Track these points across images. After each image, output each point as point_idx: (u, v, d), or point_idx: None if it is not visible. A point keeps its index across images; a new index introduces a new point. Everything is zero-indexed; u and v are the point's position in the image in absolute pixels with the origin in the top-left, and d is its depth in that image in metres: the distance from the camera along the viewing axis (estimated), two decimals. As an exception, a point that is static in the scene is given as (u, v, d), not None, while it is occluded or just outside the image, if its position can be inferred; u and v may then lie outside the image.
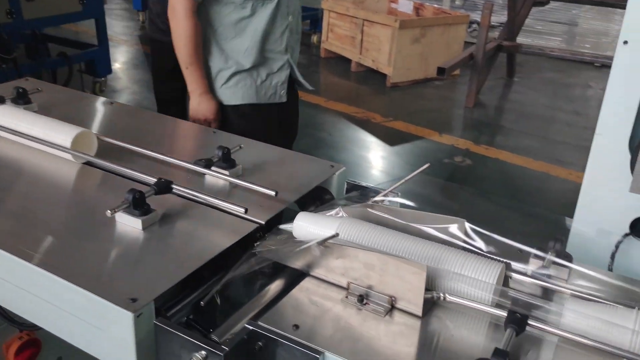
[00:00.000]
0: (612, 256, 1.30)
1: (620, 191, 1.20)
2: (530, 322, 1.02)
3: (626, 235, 1.31)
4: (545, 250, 1.20)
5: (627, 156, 1.24)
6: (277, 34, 2.28)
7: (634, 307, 1.01)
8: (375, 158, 4.75)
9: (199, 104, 2.27)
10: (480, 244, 1.16)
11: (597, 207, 1.34)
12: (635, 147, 1.15)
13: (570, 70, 6.80)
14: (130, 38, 7.56)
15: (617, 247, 1.30)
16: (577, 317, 1.01)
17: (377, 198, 1.33)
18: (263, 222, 1.28)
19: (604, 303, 1.05)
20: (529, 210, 1.82)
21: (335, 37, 6.81)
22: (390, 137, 4.95)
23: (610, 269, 1.31)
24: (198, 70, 2.24)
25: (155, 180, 1.31)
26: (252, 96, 2.31)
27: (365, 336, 1.04)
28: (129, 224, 1.24)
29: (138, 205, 1.23)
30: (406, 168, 4.36)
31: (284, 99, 2.40)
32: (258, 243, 1.22)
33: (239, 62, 2.26)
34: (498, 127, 5.36)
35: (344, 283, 1.14)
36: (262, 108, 2.35)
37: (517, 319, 1.01)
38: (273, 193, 1.33)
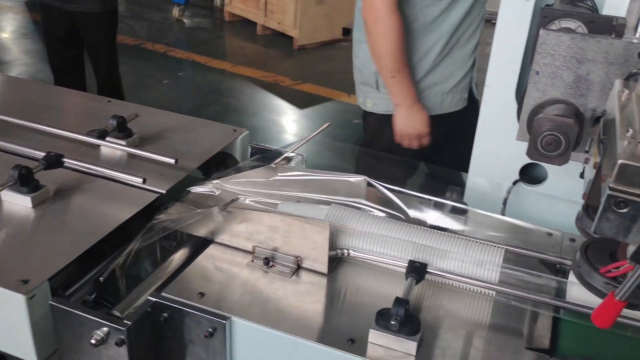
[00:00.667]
0: (504, 202, 1.38)
1: (509, 140, 1.25)
2: (429, 270, 1.06)
3: (516, 182, 1.39)
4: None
5: (515, 106, 1.30)
6: (468, 30, 1.87)
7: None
8: (286, 122, 4.73)
9: (409, 116, 1.85)
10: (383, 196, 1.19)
11: (489, 157, 1.40)
12: (521, 97, 1.20)
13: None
14: (16, 4, 7.01)
15: (508, 193, 1.38)
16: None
17: (280, 160, 1.32)
18: (164, 192, 1.24)
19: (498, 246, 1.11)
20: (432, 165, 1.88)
21: (239, 0, 6.64)
22: (299, 100, 4.93)
23: (503, 214, 1.38)
24: (406, 77, 1.82)
25: (44, 154, 1.23)
26: (436, 106, 1.91)
27: (273, 298, 1.05)
28: (17, 203, 1.17)
29: (25, 181, 1.16)
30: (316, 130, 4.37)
31: (464, 105, 1.98)
32: (160, 213, 1.19)
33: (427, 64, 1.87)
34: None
35: (249, 247, 1.14)
36: (439, 119, 1.92)
37: (417, 268, 1.05)
38: (173, 161, 1.29)
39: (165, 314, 1.00)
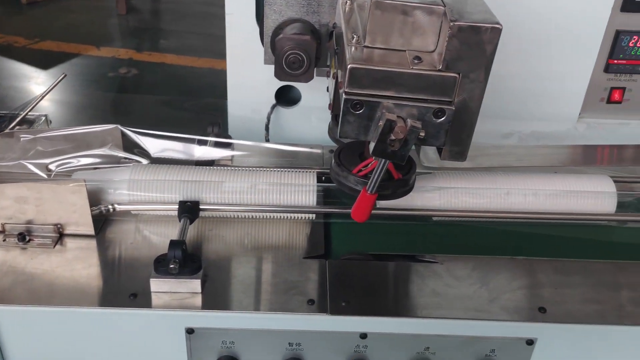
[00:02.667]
0: (266, 128, 1.41)
1: (260, 66, 1.27)
2: (202, 207, 1.05)
3: (274, 106, 1.42)
4: (207, 135, 1.24)
5: (257, 30, 1.31)
6: None
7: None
8: (30, 86, 4.22)
9: None
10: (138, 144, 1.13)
11: (245, 85, 1.41)
12: (261, 20, 1.22)
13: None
14: None
15: (268, 118, 1.41)
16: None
17: (15, 124, 1.17)
18: None
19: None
20: (198, 105, 1.83)
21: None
22: (42, 61, 4.42)
23: (267, 140, 1.42)
24: None
25: None
26: None
27: (37, 274, 0.95)
28: None
29: None
30: (71, 89, 3.99)
31: None
32: None
33: None
34: (158, 31, 5.23)
35: (-3, 227, 1.00)
36: None
37: (188, 207, 1.03)
38: None
39: None
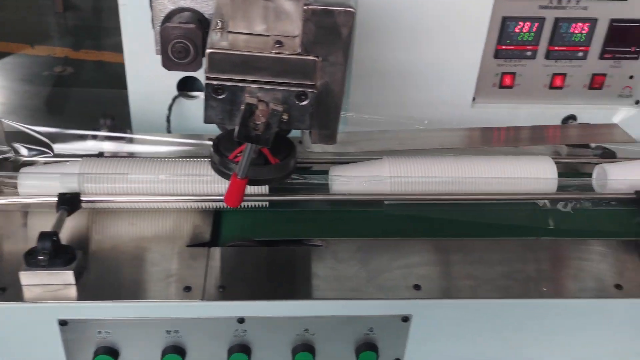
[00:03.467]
0: (167, 119, 1.40)
1: (157, 57, 1.25)
2: (83, 198, 1.04)
3: (175, 97, 1.41)
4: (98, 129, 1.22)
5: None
6: None
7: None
8: (-40, 88, 4.09)
9: None
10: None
11: (145, 76, 1.39)
12: (150, 4, 1.20)
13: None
14: None
15: (169, 109, 1.40)
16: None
17: None
18: None
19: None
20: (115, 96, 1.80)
21: None
22: (-29, 61, 4.28)
23: (169, 132, 1.41)
24: None
25: None
26: None
27: None
28: None
29: None
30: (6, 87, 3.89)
31: None
32: None
33: None
34: (96, 29, 5.12)
35: None
36: None
37: (68, 199, 1.01)
38: None
39: None
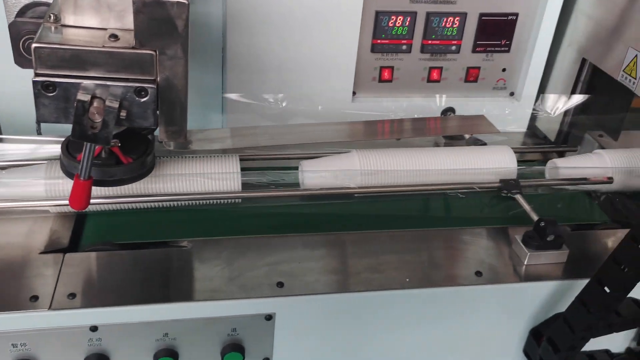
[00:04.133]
0: (37, 121, 1.33)
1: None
2: None
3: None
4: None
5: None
6: None
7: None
8: None
9: None
10: None
11: (12, 76, 1.31)
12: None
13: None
14: None
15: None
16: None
17: None
18: None
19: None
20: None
21: None
22: None
23: (39, 134, 1.34)
24: None
25: None
26: None
27: None
28: None
29: None
30: None
31: None
32: None
33: None
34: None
35: None
36: None
37: None
38: None
39: None
